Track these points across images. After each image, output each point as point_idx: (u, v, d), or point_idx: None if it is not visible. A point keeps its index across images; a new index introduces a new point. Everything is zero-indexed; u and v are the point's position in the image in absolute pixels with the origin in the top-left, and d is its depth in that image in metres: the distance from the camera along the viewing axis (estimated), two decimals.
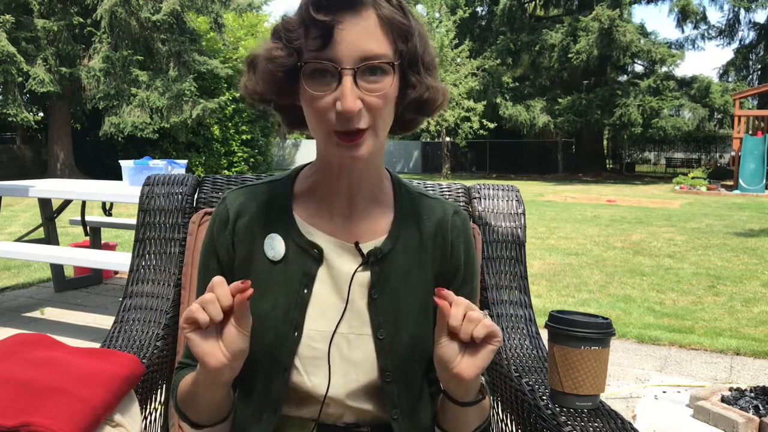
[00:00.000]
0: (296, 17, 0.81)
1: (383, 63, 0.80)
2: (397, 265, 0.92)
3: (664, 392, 2.83)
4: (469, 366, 0.80)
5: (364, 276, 0.91)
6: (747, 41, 24.39)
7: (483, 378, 0.90)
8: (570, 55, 20.80)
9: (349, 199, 0.92)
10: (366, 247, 0.91)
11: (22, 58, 15.58)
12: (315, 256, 0.91)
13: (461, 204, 1.35)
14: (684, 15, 22.50)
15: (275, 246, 0.91)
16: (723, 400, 2.49)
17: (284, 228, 0.92)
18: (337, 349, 0.89)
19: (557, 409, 0.93)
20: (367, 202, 0.93)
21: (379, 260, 0.91)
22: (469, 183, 1.43)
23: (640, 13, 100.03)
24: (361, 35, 0.78)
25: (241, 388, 0.96)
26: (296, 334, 0.89)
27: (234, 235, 0.93)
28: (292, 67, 0.81)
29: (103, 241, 4.94)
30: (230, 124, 18.94)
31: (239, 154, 19.24)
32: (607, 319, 0.93)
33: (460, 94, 19.43)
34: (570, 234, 7.91)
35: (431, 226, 0.95)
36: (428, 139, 25.62)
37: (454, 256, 0.96)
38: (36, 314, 4.11)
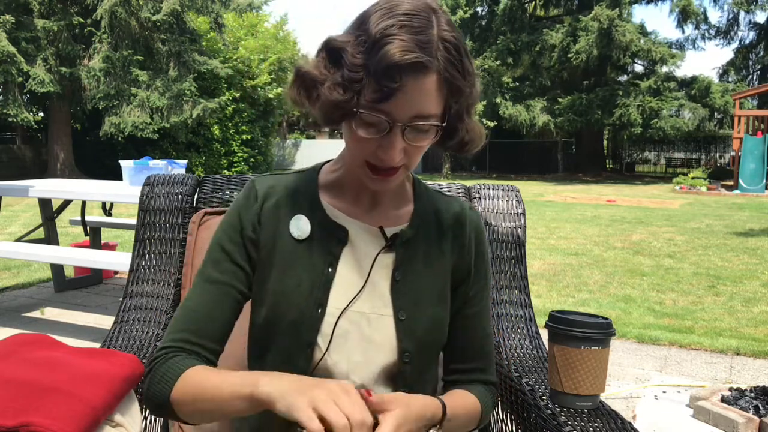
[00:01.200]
0: (361, 58, 0.78)
1: (433, 124, 0.82)
2: (419, 251, 0.96)
3: (664, 392, 2.83)
4: None
5: (388, 258, 0.94)
6: (747, 41, 24.40)
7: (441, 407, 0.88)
8: (570, 55, 20.80)
9: (373, 194, 0.96)
10: (389, 232, 0.94)
11: (22, 58, 15.58)
12: (340, 237, 0.93)
13: None
14: (684, 15, 22.48)
15: (301, 226, 0.94)
16: (723, 400, 2.49)
17: (310, 210, 0.95)
18: (357, 327, 0.91)
19: (557, 409, 0.93)
20: (389, 196, 0.97)
21: (403, 244, 0.95)
22: (469, 183, 1.43)
23: (640, 13, 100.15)
24: (420, 97, 0.79)
25: (260, 369, 0.96)
26: (320, 311, 0.91)
27: (261, 214, 0.95)
28: (349, 111, 0.81)
29: (103, 241, 4.94)
30: (230, 124, 18.95)
31: (239, 154, 19.25)
32: (607, 319, 0.93)
33: None
34: (570, 234, 7.91)
35: (449, 219, 1.00)
36: None
37: (471, 249, 1.00)
38: (36, 314, 4.11)
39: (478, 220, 1.03)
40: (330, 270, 0.92)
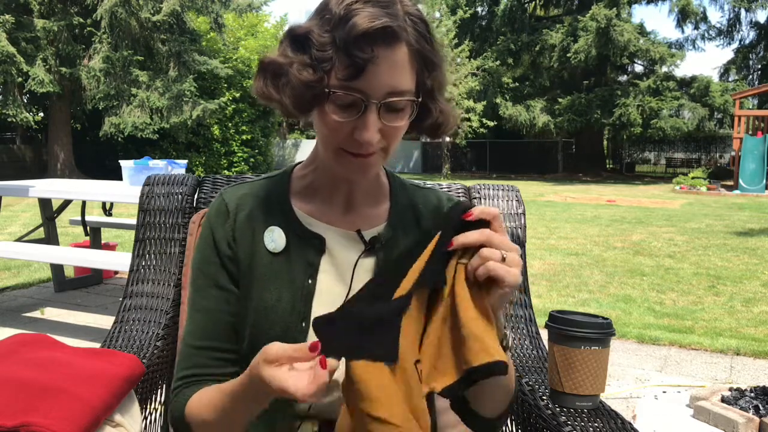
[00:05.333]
0: (328, 36, 0.77)
1: (408, 100, 0.80)
2: (399, 250, 0.93)
3: (664, 392, 2.83)
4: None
5: (368, 263, 0.92)
6: (747, 41, 24.38)
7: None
8: (569, 55, 20.80)
9: (347, 195, 0.94)
10: (367, 235, 0.92)
11: (22, 59, 15.57)
12: (317, 247, 0.91)
13: None
14: (684, 15, 22.48)
15: (275, 238, 0.91)
16: (723, 400, 2.49)
17: (284, 220, 0.92)
18: None
19: (557, 409, 0.93)
20: (364, 195, 0.95)
21: (383, 246, 0.92)
22: (469, 183, 1.43)
23: (639, 13, 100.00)
24: (392, 70, 0.77)
25: None
26: (304, 324, 0.89)
27: (234, 229, 0.92)
28: (320, 92, 0.79)
29: (103, 241, 4.94)
30: (230, 124, 18.94)
31: (239, 154, 19.24)
32: (607, 319, 0.93)
33: (460, 94, 19.43)
34: (570, 234, 7.91)
35: (428, 214, 0.98)
36: (428, 139, 25.64)
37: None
38: (36, 314, 4.11)
39: None
40: (310, 282, 0.90)
